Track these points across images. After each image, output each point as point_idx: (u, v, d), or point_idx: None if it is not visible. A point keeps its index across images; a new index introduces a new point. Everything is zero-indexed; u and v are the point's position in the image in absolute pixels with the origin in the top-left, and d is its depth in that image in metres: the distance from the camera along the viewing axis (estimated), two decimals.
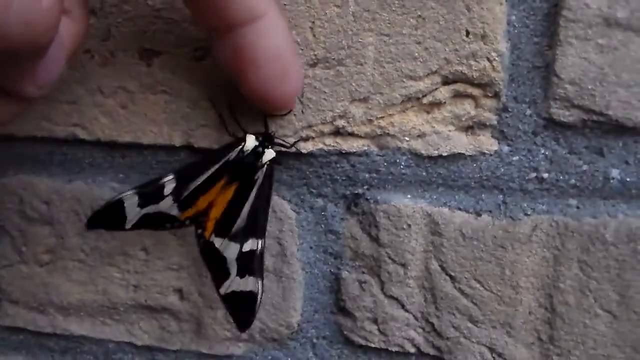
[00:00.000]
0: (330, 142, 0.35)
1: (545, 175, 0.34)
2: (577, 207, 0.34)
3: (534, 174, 0.34)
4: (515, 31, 0.33)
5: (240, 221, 0.34)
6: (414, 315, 0.37)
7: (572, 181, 0.34)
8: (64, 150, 0.38)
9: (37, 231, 0.40)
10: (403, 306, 0.37)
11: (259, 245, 0.34)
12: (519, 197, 0.35)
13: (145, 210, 0.34)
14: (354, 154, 0.35)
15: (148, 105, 0.35)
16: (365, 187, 0.35)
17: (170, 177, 0.33)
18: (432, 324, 0.36)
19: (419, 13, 0.32)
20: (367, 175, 0.35)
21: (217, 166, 0.33)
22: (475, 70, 0.33)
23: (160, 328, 0.40)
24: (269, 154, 0.33)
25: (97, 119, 0.36)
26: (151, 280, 0.39)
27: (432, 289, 0.36)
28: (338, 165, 0.35)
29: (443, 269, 0.35)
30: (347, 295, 0.37)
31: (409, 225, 0.35)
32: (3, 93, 0.27)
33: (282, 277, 0.37)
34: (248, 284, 0.34)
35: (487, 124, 0.34)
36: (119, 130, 0.36)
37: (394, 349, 0.37)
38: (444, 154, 0.34)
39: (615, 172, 0.34)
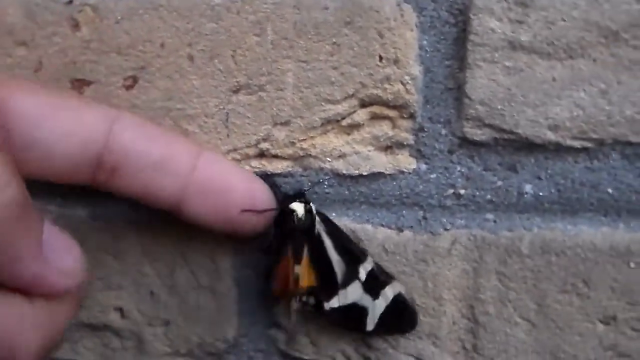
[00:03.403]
0: (256, 164, 0.36)
1: (462, 191, 0.36)
2: (494, 221, 0.36)
3: (451, 191, 0.36)
4: (428, 55, 0.34)
5: (339, 270, 0.35)
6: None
7: (488, 197, 0.36)
8: None
9: None
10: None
11: (371, 264, 0.36)
12: (439, 213, 0.36)
13: None
14: (279, 174, 0.36)
15: None
16: None
17: None
18: (361, 336, 0.38)
19: (334, 40, 0.34)
20: None
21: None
22: (390, 93, 0.34)
23: (103, 345, 0.41)
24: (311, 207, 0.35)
25: None
26: (92, 299, 0.40)
27: None
28: None
29: None
30: (280, 310, 0.39)
31: None
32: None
33: (217, 294, 0.39)
34: (386, 294, 0.36)
35: (405, 143, 0.35)
36: None
37: None
38: (365, 173, 0.36)
39: (528, 187, 0.35)
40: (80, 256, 0.29)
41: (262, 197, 0.34)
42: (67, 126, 0.30)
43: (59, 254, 0.28)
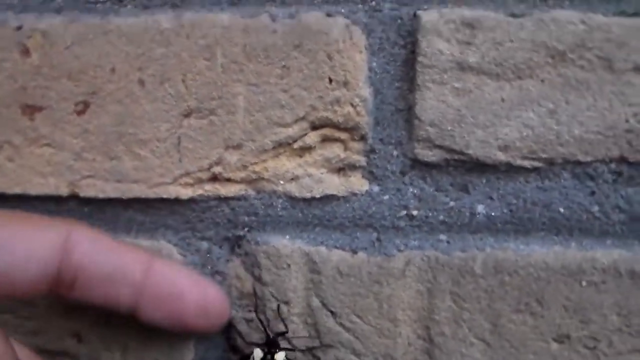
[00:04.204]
0: (209, 188, 0.36)
1: (415, 212, 0.36)
2: (447, 242, 0.36)
3: (404, 212, 0.36)
4: (377, 77, 0.34)
5: None
6: (301, 350, 0.38)
7: (441, 217, 0.36)
8: None
9: None
10: (289, 342, 0.38)
11: None
12: (392, 234, 0.36)
13: None
14: (232, 198, 0.36)
15: (33, 158, 0.37)
16: (246, 229, 0.37)
17: None
18: (319, 358, 0.38)
19: (284, 63, 0.34)
20: (246, 218, 0.37)
21: None
22: (340, 115, 0.34)
23: None
24: (280, 357, 0.36)
25: None
26: (49, 325, 0.40)
27: (315, 325, 0.37)
28: (219, 209, 0.37)
29: (324, 305, 0.37)
30: (236, 334, 0.38)
31: (289, 265, 0.37)
32: None
33: None
34: None
35: (357, 165, 0.35)
36: (8, 183, 0.37)
37: None
38: (318, 195, 0.36)
39: (480, 208, 0.35)
40: None
41: (215, 302, 0.35)
42: (23, 250, 0.31)
43: None
